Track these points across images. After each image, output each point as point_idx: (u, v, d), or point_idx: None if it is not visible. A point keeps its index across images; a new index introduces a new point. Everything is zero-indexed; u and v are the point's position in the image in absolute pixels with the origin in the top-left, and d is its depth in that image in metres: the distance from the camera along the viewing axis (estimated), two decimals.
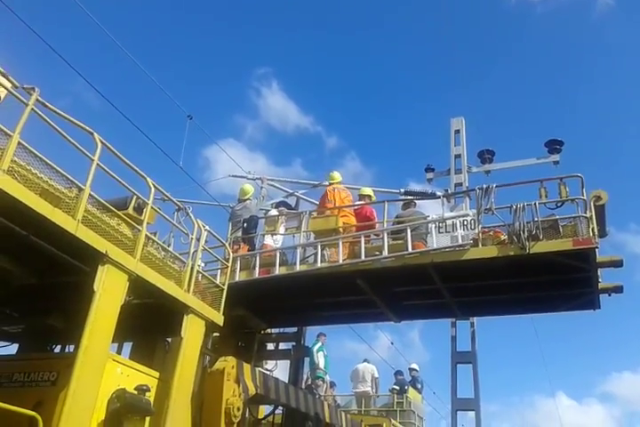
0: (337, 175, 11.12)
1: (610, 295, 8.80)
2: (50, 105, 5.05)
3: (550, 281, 8.88)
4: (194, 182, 13.15)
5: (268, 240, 10.43)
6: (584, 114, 59.48)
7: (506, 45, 57.87)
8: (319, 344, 13.43)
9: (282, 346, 11.16)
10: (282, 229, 10.46)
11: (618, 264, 8.34)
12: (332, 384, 14.48)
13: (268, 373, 10.22)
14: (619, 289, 8.72)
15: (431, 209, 9.78)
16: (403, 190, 11.80)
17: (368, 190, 10.90)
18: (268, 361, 10.92)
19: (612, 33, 54.54)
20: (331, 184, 10.92)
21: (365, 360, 15.44)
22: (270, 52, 57.12)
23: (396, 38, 57.79)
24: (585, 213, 7.83)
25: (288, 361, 10.96)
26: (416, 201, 10.22)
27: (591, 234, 7.60)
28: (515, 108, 57.98)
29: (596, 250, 7.79)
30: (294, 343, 10.93)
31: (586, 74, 57.90)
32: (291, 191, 13.17)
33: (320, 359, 13.08)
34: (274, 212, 11.26)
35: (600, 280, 8.47)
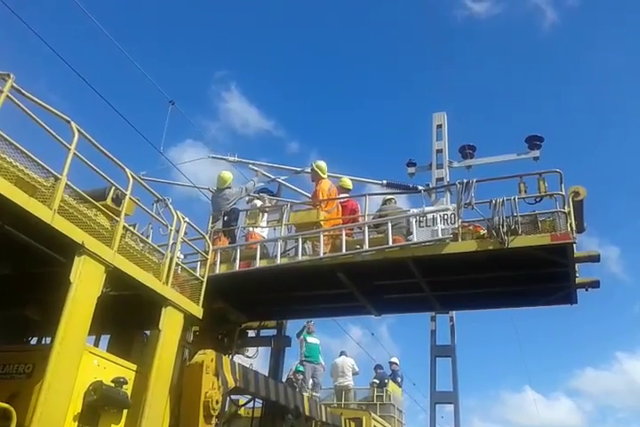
0: (325, 168, 10.94)
1: (587, 290, 8.89)
2: (26, 92, 4.95)
3: (529, 276, 8.97)
4: (171, 166, 13.10)
5: (257, 230, 10.27)
6: (563, 111, 60.42)
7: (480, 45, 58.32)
8: (303, 332, 13.66)
9: (263, 333, 11.18)
10: (264, 221, 10.37)
11: (595, 259, 8.42)
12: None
13: (249, 358, 10.30)
14: (595, 284, 8.81)
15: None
16: (385, 182, 11.80)
17: (348, 183, 10.84)
18: (249, 348, 10.90)
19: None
20: (321, 178, 10.40)
21: (343, 353, 15.49)
22: (229, 54, 56.84)
23: (363, 38, 57.76)
24: (563, 208, 7.90)
25: (269, 352, 10.99)
26: (396, 198, 10.23)
27: (569, 229, 7.68)
28: (496, 104, 58.58)
29: (574, 245, 7.88)
30: (275, 332, 10.95)
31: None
32: (272, 177, 13.09)
33: (302, 348, 13.33)
34: (257, 202, 11.12)
35: (577, 275, 8.58)
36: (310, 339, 13.99)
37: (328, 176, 10.69)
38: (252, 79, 59.35)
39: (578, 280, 8.64)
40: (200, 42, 56.08)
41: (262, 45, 57.45)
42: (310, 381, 13.42)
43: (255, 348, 10.96)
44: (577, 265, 8.38)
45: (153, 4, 49.05)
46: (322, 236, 8.82)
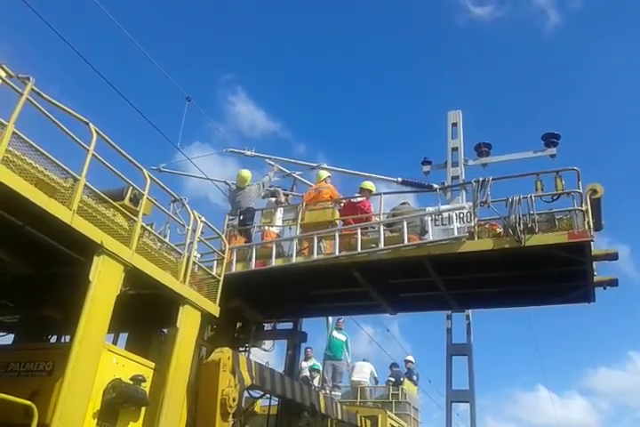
0: (324, 173, 11.05)
1: (605, 288, 8.81)
2: (45, 95, 5.02)
3: (546, 274, 8.89)
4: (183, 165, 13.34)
5: (272, 229, 10.37)
6: (581, 108, 59.79)
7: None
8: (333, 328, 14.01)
9: (279, 326, 11.27)
10: (279, 215, 10.43)
11: (613, 257, 8.35)
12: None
13: (266, 351, 10.42)
14: (614, 282, 8.73)
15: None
16: (400, 179, 11.78)
17: (369, 185, 10.83)
18: (266, 341, 10.97)
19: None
20: (321, 182, 10.74)
21: (364, 360, 15.61)
22: (234, 57, 56.88)
23: (370, 40, 57.45)
24: (581, 206, 7.83)
25: (284, 349, 11.06)
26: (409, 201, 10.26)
27: (587, 227, 7.61)
28: (509, 104, 58.11)
29: (592, 243, 7.81)
30: (292, 326, 11.01)
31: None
32: (288, 172, 13.14)
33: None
34: (272, 200, 11.22)
35: (595, 273, 8.50)
36: (337, 335, 14.06)
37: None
38: (259, 82, 59.54)
39: (596, 279, 8.56)
40: (205, 46, 56.41)
41: (268, 48, 57.64)
42: (330, 381, 13.38)
43: (272, 341, 11.03)
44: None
45: (155, 9, 49.27)
46: (337, 235, 8.84)
